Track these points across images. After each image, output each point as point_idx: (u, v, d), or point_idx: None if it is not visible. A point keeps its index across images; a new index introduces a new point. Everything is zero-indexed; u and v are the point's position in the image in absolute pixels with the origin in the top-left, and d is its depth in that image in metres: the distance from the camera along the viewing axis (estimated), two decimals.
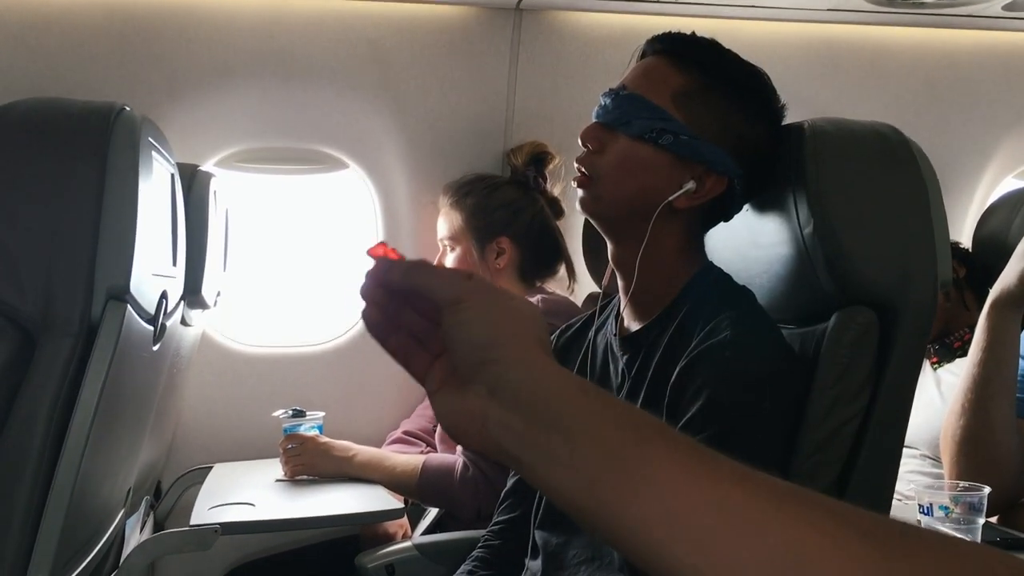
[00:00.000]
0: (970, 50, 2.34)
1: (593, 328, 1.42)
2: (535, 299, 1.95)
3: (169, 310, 1.34)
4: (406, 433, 2.17)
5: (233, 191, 2.20)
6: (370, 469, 1.90)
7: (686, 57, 1.22)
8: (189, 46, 2.04)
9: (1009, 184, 2.50)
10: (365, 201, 2.31)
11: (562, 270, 2.14)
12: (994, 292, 1.48)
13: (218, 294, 1.89)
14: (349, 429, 2.20)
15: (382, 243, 0.64)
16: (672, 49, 1.24)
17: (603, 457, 0.51)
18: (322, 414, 2.01)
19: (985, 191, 2.45)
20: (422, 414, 2.24)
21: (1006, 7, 2.09)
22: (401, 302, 0.64)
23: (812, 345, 1.23)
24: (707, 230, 1.30)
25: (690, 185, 1.19)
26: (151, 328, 1.22)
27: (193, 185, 1.66)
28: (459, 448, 1.86)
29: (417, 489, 1.85)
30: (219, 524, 1.57)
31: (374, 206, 2.29)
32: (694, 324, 1.18)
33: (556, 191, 2.14)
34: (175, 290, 1.42)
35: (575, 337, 1.48)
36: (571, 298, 2.06)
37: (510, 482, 1.49)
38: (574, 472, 0.51)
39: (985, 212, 1.98)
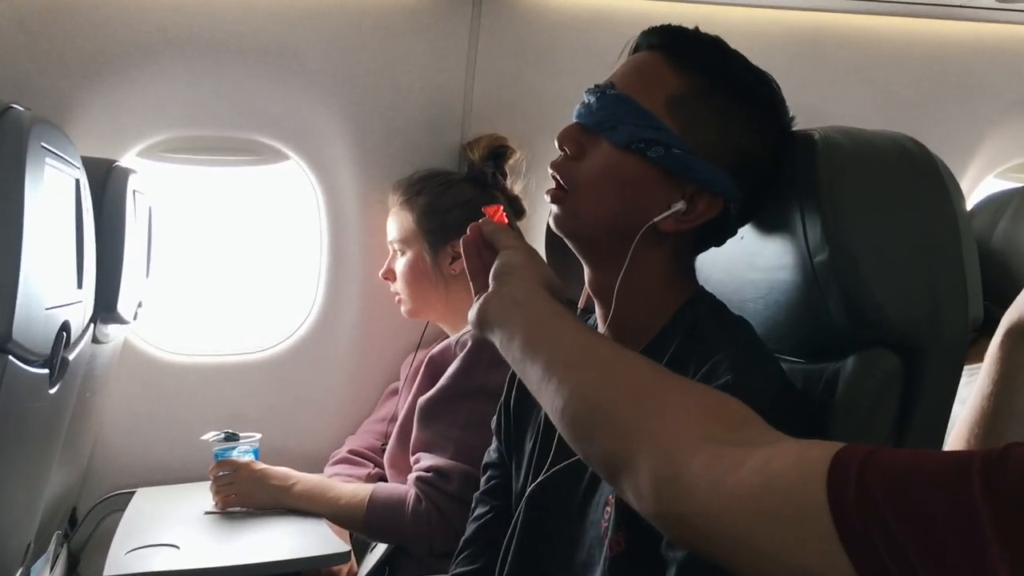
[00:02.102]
0: (959, 42, 2.21)
1: None
2: None
3: (73, 341, 1.13)
4: (351, 452, 1.99)
5: (159, 185, 1.98)
6: (311, 500, 1.72)
7: (686, 56, 1.04)
8: (107, 23, 1.79)
9: (991, 183, 2.39)
10: (308, 197, 2.09)
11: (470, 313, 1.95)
12: (1008, 320, 1.33)
13: (139, 305, 1.68)
14: (288, 447, 2.03)
15: (500, 207, 1.10)
16: (670, 45, 1.05)
17: (530, 325, 0.90)
18: (258, 436, 1.82)
19: (966, 189, 2.33)
20: (369, 430, 2.05)
21: None
22: (485, 243, 1.03)
23: (820, 385, 1.08)
24: (697, 255, 1.13)
25: (679, 206, 1.02)
26: (45, 371, 1.02)
27: (108, 185, 1.44)
28: (410, 477, 1.68)
29: (364, 523, 1.67)
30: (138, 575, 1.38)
31: (317, 203, 2.08)
32: (687, 362, 1.02)
33: (517, 189, 1.96)
34: (82, 315, 1.21)
35: None
36: None
37: (470, 529, 1.33)
38: (513, 334, 0.91)
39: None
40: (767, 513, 0.63)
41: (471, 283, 1.06)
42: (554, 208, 1.07)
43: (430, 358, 1.80)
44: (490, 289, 0.97)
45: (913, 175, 1.06)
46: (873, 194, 1.04)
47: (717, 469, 0.68)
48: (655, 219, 1.02)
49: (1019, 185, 2.15)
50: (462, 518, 1.51)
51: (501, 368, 1.62)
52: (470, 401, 1.66)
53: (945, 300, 1.02)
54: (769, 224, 1.13)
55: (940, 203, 1.05)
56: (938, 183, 1.06)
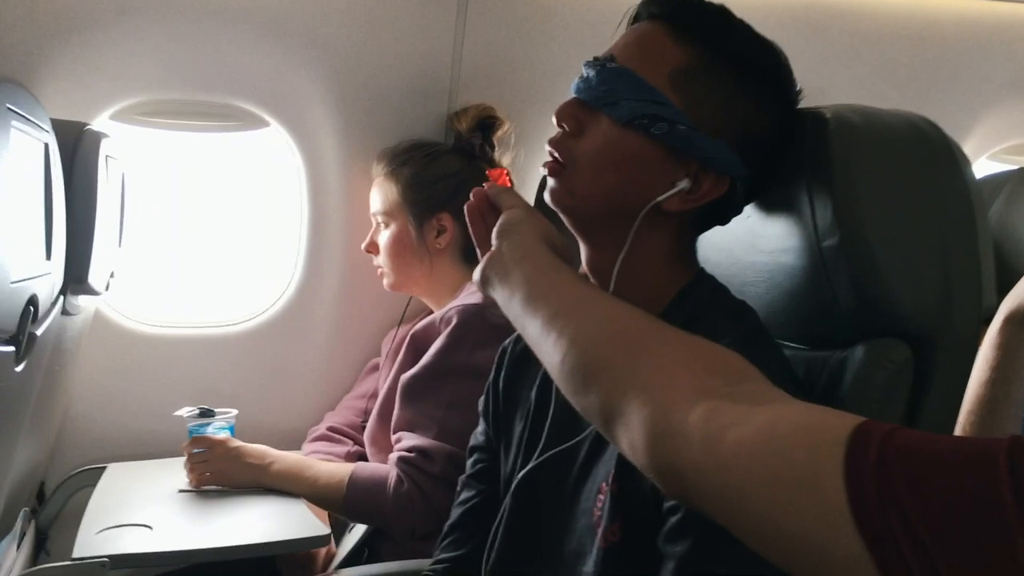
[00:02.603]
0: (955, 22, 2.16)
1: None
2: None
3: (41, 315, 1.07)
4: (330, 429, 1.94)
5: (133, 149, 1.90)
6: (289, 480, 1.66)
7: (690, 27, 0.98)
8: None
9: (984, 165, 2.36)
10: (288, 165, 2.02)
11: (475, 274, 1.90)
12: (1008, 306, 1.30)
13: (111, 275, 1.61)
14: (265, 424, 1.98)
15: (504, 171, 1.29)
16: (673, 15, 0.99)
17: (530, 281, 0.89)
18: (234, 412, 1.76)
19: None
20: (349, 406, 2.00)
21: None
22: (489, 206, 1.02)
23: (824, 375, 1.04)
24: (699, 234, 1.09)
25: (684, 184, 0.97)
26: (11, 349, 0.96)
27: (79, 149, 1.37)
28: (392, 457, 1.63)
29: (344, 504, 1.62)
30: (107, 557, 1.32)
31: (298, 171, 2.00)
32: None
33: (505, 161, 1.90)
34: (51, 287, 1.15)
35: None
36: None
37: (455, 513, 1.28)
38: (514, 290, 0.90)
39: None
40: (768, 475, 0.61)
41: (477, 248, 1.03)
42: (551, 182, 1.02)
43: (413, 334, 1.74)
44: (492, 248, 0.96)
45: (928, 157, 1.02)
46: (887, 177, 0.99)
47: (715, 424, 0.66)
48: (658, 198, 0.97)
49: (1013, 167, 2.13)
50: (445, 500, 1.47)
51: (487, 346, 1.59)
52: (455, 379, 1.61)
53: (959, 289, 0.98)
54: (774, 205, 1.08)
55: (955, 187, 1.01)
56: (953, 166, 1.02)
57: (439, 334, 1.66)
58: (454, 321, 1.64)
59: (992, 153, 2.38)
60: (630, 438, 0.73)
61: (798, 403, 0.68)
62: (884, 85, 2.17)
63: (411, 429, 1.63)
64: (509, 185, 0.98)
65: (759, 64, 1.00)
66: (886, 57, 2.17)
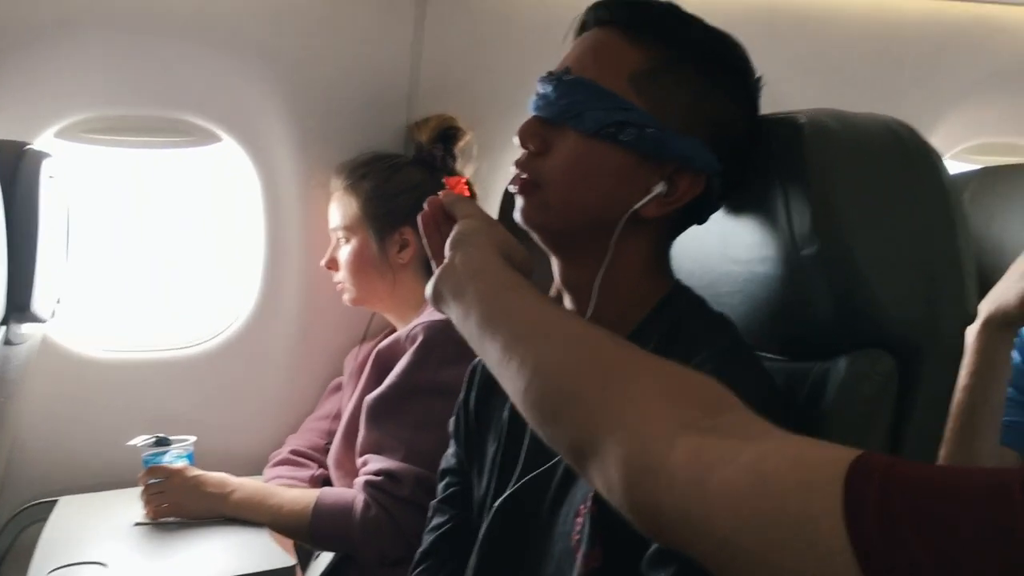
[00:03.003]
0: (917, 22, 2.15)
1: None
2: None
3: None
4: (293, 453, 1.87)
5: (80, 169, 1.83)
6: (251, 509, 1.60)
7: (643, 28, 0.96)
8: None
9: (945, 165, 2.37)
10: (242, 180, 1.95)
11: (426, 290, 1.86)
12: (986, 310, 1.29)
13: (57, 301, 1.53)
14: (225, 449, 1.91)
15: (463, 179, 1.22)
16: (625, 19, 0.97)
17: (486, 299, 0.84)
18: (192, 439, 1.70)
19: None
20: (312, 428, 1.94)
21: None
22: (445, 216, 0.98)
23: (805, 387, 1.01)
24: (675, 238, 1.06)
25: (660, 188, 0.95)
26: None
27: (18, 171, 1.30)
28: (358, 482, 1.58)
29: (310, 531, 1.56)
30: None
31: (253, 187, 1.94)
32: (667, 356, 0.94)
33: (467, 173, 1.85)
34: None
35: None
36: None
37: (427, 540, 1.24)
38: (469, 308, 0.85)
39: None
40: (759, 518, 0.57)
41: (432, 260, 0.99)
42: (521, 200, 0.99)
43: (377, 353, 1.69)
44: (445, 260, 0.91)
45: (906, 161, 0.99)
46: (866, 182, 0.96)
47: (699, 463, 0.62)
48: (636, 206, 0.94)
49: (975, 167, 2.14)
50: (415, 524, 1.42)
51: (454, 363, 1.54)
52: (422, 399, 1.56)
53: (943, 296, 0.96)
54: (748, 213, 1.05)
55: (935, 191, 0.98)
56: (931, 169, 0.99)
57: (404, 352, 1.61)
58: (419, 338, 1.59)
59: (953, 153, 2.39)
60: (605, 477, 0.69)
61: (786, 436, 0.63)
62: (845, 87, 2.15)
63: (378, 451, 1.58)
64: (468, 194, 0.94)
65: (718, 55, 0.98)
66: (847, 59, 2.16)
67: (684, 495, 0.62)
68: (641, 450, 0.66)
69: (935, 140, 2.28)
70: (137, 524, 1.59)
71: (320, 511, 1.56)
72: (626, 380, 0.72)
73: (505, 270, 0.87)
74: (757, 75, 1.01)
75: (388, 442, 1.57)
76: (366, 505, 1.53)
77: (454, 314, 0.88)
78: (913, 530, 0.50)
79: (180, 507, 1.60)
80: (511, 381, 0.78)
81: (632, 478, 0.66)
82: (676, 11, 0.98)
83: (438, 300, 0.91)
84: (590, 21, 1.00)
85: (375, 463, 1.56)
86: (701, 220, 1.05)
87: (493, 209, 1.95)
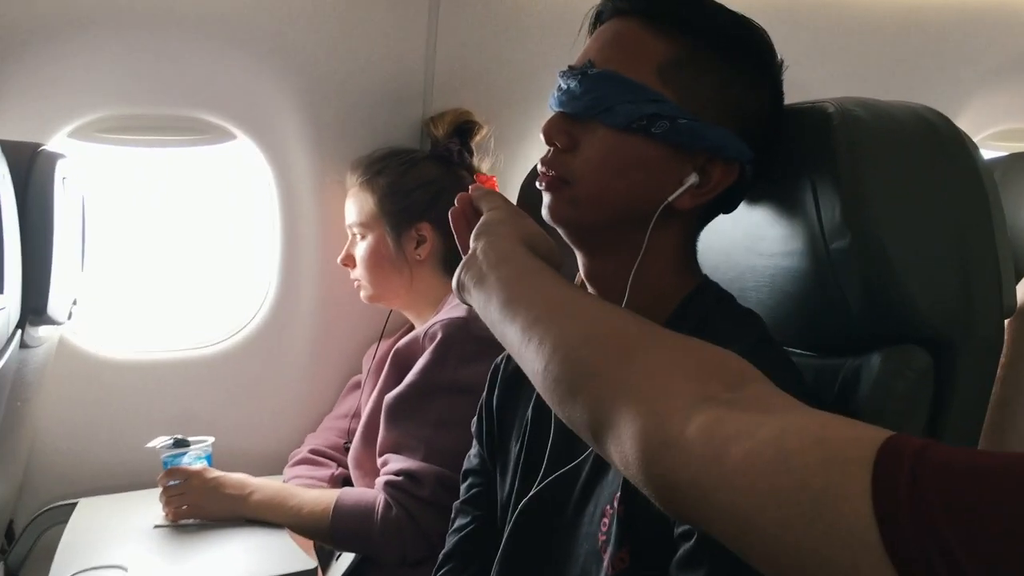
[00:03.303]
0: (938, 7, 2.11)
1: None
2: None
3: None
4: (312, 452, 1.86)
5: (94, 168, 1.81)
6: (271, 510, 1.59)
7: (666, 17, 0.94)
8: None
9: None
10: (258, 178, 1.94)
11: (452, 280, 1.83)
12: (1020, 298, 1.25)
13: (74, 303, 1.52)
14: (244, 449, 1.90)
15: (493, 177, 1.16)
16: (646, 8, 0.94)
17: (507, 284, 0.83)
18: (210, 440, 1.68)
19: None
20: (331, 427, 1.93)
21: None
22: (475, 212, 0.97)
23: (836, 384, 0.98)
24: (702, 229, 1.04)
25: (693, 179, 0.93)
26: None
27: (33, 172, 1.28)
28: (378, 482, 1.56)
29: (330, 532, 1.55)
30: None
31: (269, 185, 1.92)
32: None
33: (484, 167, 1.83)
34: (6, 321, 1.07)
35: None
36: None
37: (451, 541, 1.22)
38: (490, 294, 0.84)
39: None
40: (778, 495, 0.55)
41: (462, 255, 0.97)
42: (549, 197, 0.96)
43: (396, 351, 1.67)
44: (469, 250, 0.91)
45: (939, 150, 0.96)
46: (898, 173, 0.93)
47: (717, 436, 0.60)
48: (670, 199, 0.93)
49: (1000, 154, 2.10)
50: (436, 524, 1.40)
51: (473, 361, 1.52)
52: (441, 398, 1.54)
53: (979, 290, 0.93)
54: (774, 205, 1.03)
55: (969, 180, 0.95)
56: (966, 158, 0.96)
57: (423, 350, 1.59)
58: (438, 336, 1.57)
59: (979, 139, 2.35)
60: (622, 452, 0.67)
61: (809, 411, 0.61)
62: (868, 74, 2.12)
63: (397, 451, 1.56)
64: (496, 189, 0.95)
65: (743, 41, 0.95)
66: (869, 47, 2.13)
67: (701, 470, 0.60)
68: (658, 424, 0.65)
69: (960, 126, 2.26)
70: (157, 526, 1.58)
71: (340, 512, 1.54)
72: (643, 353, 0.71)
73: (527, 257, 0.86)
74: (779, 59, 0.99)
75: (408, 441, 1.55)
76: (387, 505, 1.51)
77: (476, 302, 0.88)
78: (947, 517, 0.47)
79: (200, 509, 1.59)
80: (531, 362, 0.77)
81: (648, 453, 0.64)
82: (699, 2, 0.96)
83: (461, 290, 0.91)
84: (608, 11, 0.98)
85: (395, 463, 1.54)
86: (730, 209, 1.03)
87: (511, 200, 1.93)
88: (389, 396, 1.59)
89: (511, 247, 0.88)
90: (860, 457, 0.52)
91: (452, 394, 1.53)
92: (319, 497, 1.59)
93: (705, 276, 1.04)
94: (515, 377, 1.19)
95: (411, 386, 1.58)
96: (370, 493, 1.56)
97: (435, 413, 1.54)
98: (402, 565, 1.52)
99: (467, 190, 1.72)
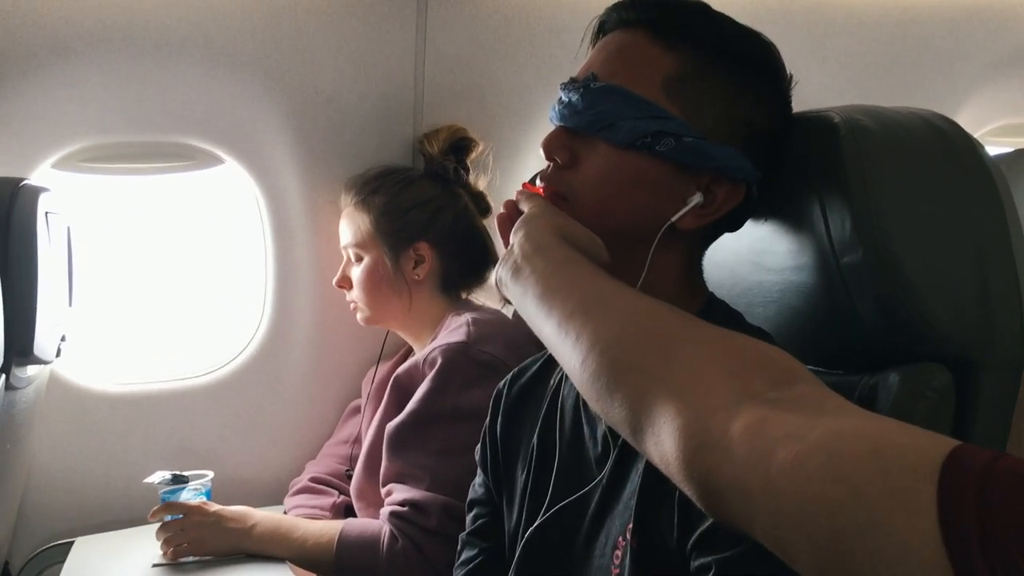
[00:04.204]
0: (933, 4, 2.08)
1: (557, 374, 1.10)
2: (464, 319, 1.61)
3: None
4: (313, 480, 1.82)
5: (80, 197, 1.78)
6: (274, 543, 1.54)
7: (673, 29, 0.90)
8: (6, 18, 1.58)
9: None
10: (247, 202, 1.90)
11: (492, 277, 1.80)
12: None
13: (62, 339, 1.48)
14: (243, 479, 1.87)
15: (539, 188, 0.95)
16: (653, 20, 0.91)
17: (542, 277, 0.81)
18: (209, 475, 1.64)
19: None
20: (331, 454, 1.89)
21: None
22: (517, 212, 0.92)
23: (852, 401, 0.94)
24: (707, 248, 1.00)
25: (697, 199, 0.90)
26: None
27: (14, 209, 1.25)
28: (383, 512, 1.52)
29: (334, 565, 1.51)
30: None
31: (259, 209, 1.89)
32: None
33: (481, 185, 1.80)
34: None
35: (531, 386, 1.17)
36: (504, 311, 1.73)
37: (458, 575, 1.18)
38: (526, 288, 0.82)
39: None
40: (828, 503, 0.52)
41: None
42: None
43: (395, 379, 1.63)
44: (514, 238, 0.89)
45: (951, 158, 0.93)
46: (910, 184, 0.90)
47: (763, 437, 0.57)
48: (673, 219, 0.89)
49: (1001, 150, 2.07)
50: (443, 555, 1.36)
51: (475, 386, 1.48)
52: (444, 425, 1.50)
53: (999, 302, 0.89)
54: (780, 219, 1.00)
55: (985, 189, 0.92)
56: (980, 167, 0.93)
57: (423, 377, 1.56)
58: (438, 362, 1.53)
59: (979, 135, 2.32)
60: (661, 450, 0.64)
61: (864, 414, 0.58)
62: (864, 74, 2.09)
63: (401, 480, 1.52)
64: (535, 191, 0.92)
65: (751, 56, 0.92)
66: (865, 47, 2.10)
67: (745, 471, 0.58)
68: (699, 421, 0.62)
69: (959, 123, 2.23)
70: (155, 565, 1.53)
71: (345, 544, 1.50)
72: (685, 348, 0.68)
73: (562, 247, 0.84)
74: (789, 75, 0.96)
75: (411, 471, 1.51)
76: (392, 537, 1.47)
77: (513, 295, 0.86)
78: (1019, 536, 0.44)
79: (200, 544, 1.54)
80: (567, 357, 0.75)
81: (689, 451, 0.62)
82: (706, 10, 0.92)
83: (499, 284, 0.89)
84: (611, 22, 0.95)
85: (400, 493, 1.51)
86: (735, 228, 1.00)
87: None
88: (390, 425, 1.56)
89: (546, 237, 0.85)
90: (922, 468, 0.49)
91: (454, 421, 1.49)
92: (323, 529, 1.55)
93: (711, 294, 1.01)
94: (519, 402, 1.16)
95: (412, 414, 1.54)
96: (375, 524, 1.53)
97: (437, 442, 1.50)
98: None
99: (464, 208, 1.71)
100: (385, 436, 1.55)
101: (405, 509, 1.48)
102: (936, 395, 0.88)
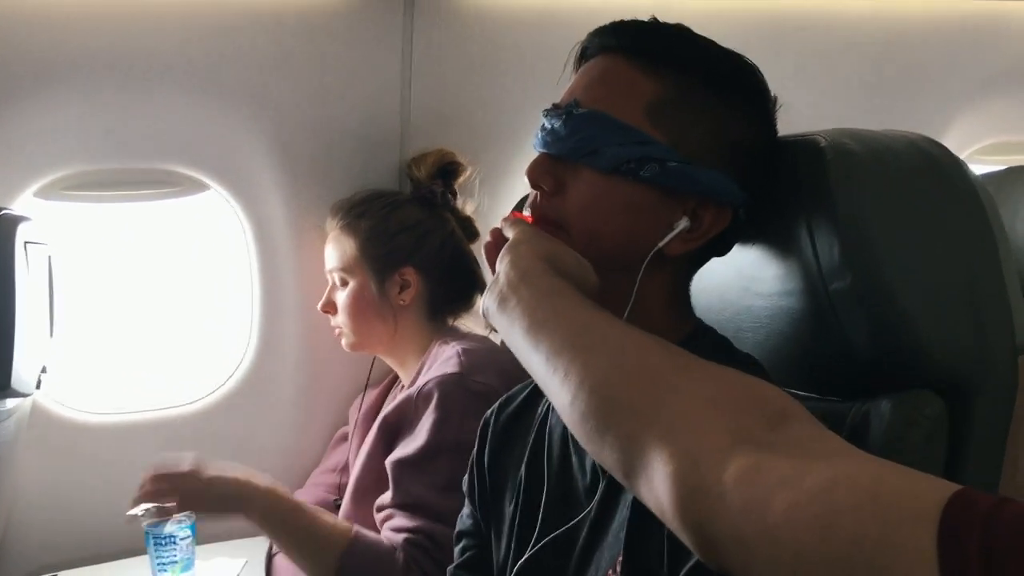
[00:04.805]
0: (921, 22, 2.08)
1: (544, 403, 1.08)
2: (453, 350, 1.59)
3: None
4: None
5: (61, 225, 1.76)
6: (280, 519, 1.47)
7: (655, 54, 0.89)
8: None
9: None
10: (232, 228, 1.88)
11: (478, 302, 1.78)
12: None
13: (43, 371, 1.46)
14: None
15: (525, 216, 0.93)
16: (634, 45, 0.90)
17: (528, 309, 0.79)
18: None
19: None
20: (319, 483, 1.86)
21: None
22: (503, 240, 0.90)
23: (844, 430, 0.93)
24: (696, 271, 0.99)
25: (683, 224, 0.88)
26: None
27: None
28: (394, 537, 1.46)
29: (339, 564, 1.45)
30: None
31: (244, 235, 1.87)
32: None
33: (468, 209, 1.78)
34: None
35: (518, 415, 1.15)
36: (492, 338, 1.70)
37: None
38: (513, 320, 0.80)
39: None
40: (826, 554, 0.51)
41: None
42: None
43: (384, 420, 1.59)
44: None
45: (939, 182, 0.91)
46: (898, 208, 0.89)
47: (758, 484, 0.56)
48: (659, 244, 0.88)
49: (992, 168, 2.06)
50: None
51: (473, 418, 1.43)
52: (448, 458, 1.46)
53: (991, 327, 0.88)
54: (768, 244, 0.98)
55: (973, 213, 0.91)
56: (968, 190, 0.92)
57: (416, 411, 1.52)
58: (435, 395, 1.49)
59: (969, 153, 2.31)
60: (655, 496, 0.63)
61: (860, 457, 0.56)
62: (853, 92, 2.09)
63: (406, 510, 1.48)
64: (522, 217, 0.91)
65: (735, 79, 0.91)
66: (853, 64, 2.09)
67: (741, 519, 0.56)
68: (692, 467, 0.60)
69: (949, 142, 2.22)
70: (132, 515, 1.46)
71: (359, 546, 1.45)
72: (677, 386, 0.66)
73: (547, 276, 0.82)
74: (773, 97, 0.95)
75: (416, 502, 1.47)
76: (406, 564, 1.43)
77: (500, 326, 0.84)
78: None
79: (193, 502, 1.44)
80: (557, 395, 0.73)
81: (683, 499, 0.60)
82: (688, 34, 0.91)
83: (486, 315, 0.87)
84: (593, 48, 0.94)
85: (407, 520, 1.46)
86: (723, 252, 0.98)
87: None
88: (392, 459, 1.52)
89: (532, 264, 0.83)
90: (922, 515, 0.48)
91: (458, 454, 1.45)
92: (336, 524, 1.49)
93: (699, 320, 0.99)
94: (506, 432, 1.14)
95: (419, 448, 1.49)
96: (385, 545, 1.48)
97: (442, 476, 1.45)
98: None
99: (451, 233, 1.69)
100: (389, 468, 1.51)
101: (420, 538, 1.43)
102: (930, 422, 0.86)
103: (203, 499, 1.46)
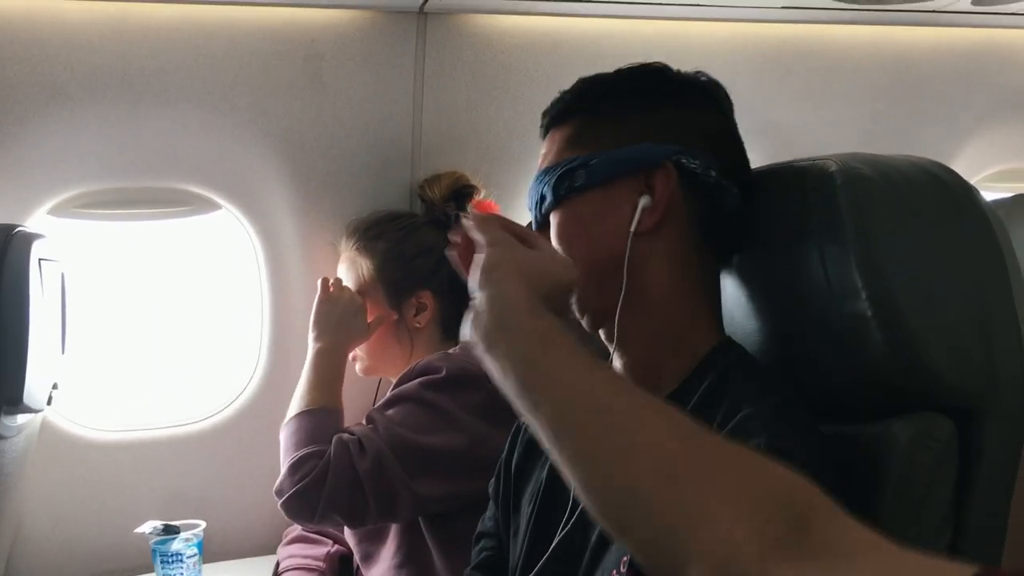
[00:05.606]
0: (930, 49, 2.10)
1: None
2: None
3: None
4: (307, 530, 1.78)
5: (74, 244, 1.77)
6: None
7: (565, 110, 1.03)
8: (5, 66, 1.59)
9: None
10: (244, 247, 1.89)
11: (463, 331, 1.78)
12: None
13: (54, 387, 1.47)
14: (236, 528, 1.86)
15: (492, 202, 1.07)
16: (553, 116, 1.04)
17: (520, 362, 0.74)
18: (201, 525, 1.61)
19: None
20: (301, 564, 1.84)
21: (975, 1, 1.85)
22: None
23: (853, 452, 0.93)
24: (718, 253, 1.02)
25: (644, 201, 0.95)
26: None
27: (7, 256, 1.24)
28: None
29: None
30: None
31: (256, 254, 1.88)
32: (713, 411, 0.90)
33: None
34: None
35: None
36: None
37: None
38: (504, 370, 0.75)
39: None
40: None
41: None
42: None
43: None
44: (473, 303, 0.82)
45: (951, 207, 0.92)
46: (910, 233, 0.90)
47: None
48: (631, 228, 0.95)
49: (999, 195, 2.06)
50: (343, 498, 1.44)
51: (453, 391, 1.47)
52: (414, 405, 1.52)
53: (1002, 351, 0.88)
54: (779, 267, 0.99)
55: (984, 238, 0.91)
56: (978, 214, 0.92)
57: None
58: (418, 366, 1.55)
59: (978, 180, 2.31)
60: None
61: (886, 553, 0.56)
62: (860, 119, 2.10)
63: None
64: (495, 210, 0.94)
65: (631, 78, 1.02)
66: (860, 90, 2.10)
67: None
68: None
69: (957, 168, 2.21)
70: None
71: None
72: (696, 483, 0.63)
73: (534, 316, 0.77)
74: (678, 71, 1.02)
75: (369, 418, 1.52)
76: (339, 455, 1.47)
77: (490, 369, 0.78)
78: None
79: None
80: (567, 471, 0.70)
81: None
82: (587, 81, 1.03)
83: (473, 347, 0.81)
84: (543, 132, 1.06)
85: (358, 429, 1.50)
86: (723, 241, 1.01)
87: None
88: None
89: (513, 296, 0.78)
90: None
91: (425, 407, 1.50)
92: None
93: (727, 337, 1.01)
94: (528, 457, 1.16)
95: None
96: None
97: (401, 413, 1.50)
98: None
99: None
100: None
101: (353, 437, 1.47)
102: (941, 446, 0.87)
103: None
